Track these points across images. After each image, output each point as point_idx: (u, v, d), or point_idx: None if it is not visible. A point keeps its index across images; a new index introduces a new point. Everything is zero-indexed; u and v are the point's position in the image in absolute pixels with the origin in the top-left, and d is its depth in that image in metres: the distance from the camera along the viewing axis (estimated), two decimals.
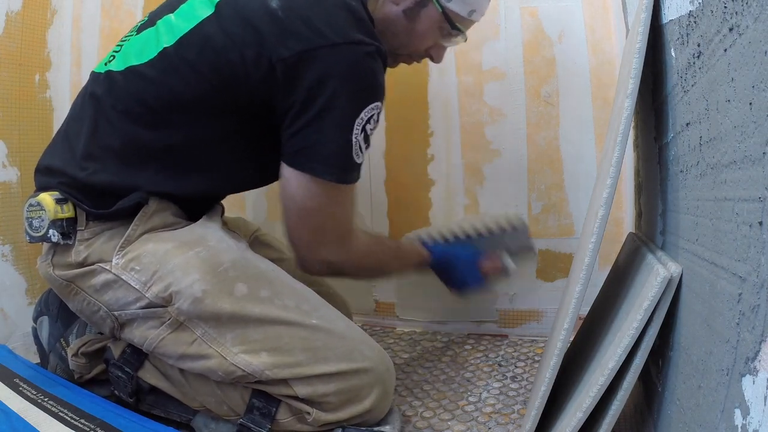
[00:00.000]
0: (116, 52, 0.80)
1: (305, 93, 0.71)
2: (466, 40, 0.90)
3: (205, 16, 0.74)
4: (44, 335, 0.89)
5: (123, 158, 0.75)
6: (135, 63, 0.76)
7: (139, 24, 0.83)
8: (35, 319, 0.91)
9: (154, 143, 0.75)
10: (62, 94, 1.12)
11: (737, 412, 0.35)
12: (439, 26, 0.85)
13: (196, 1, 0.77)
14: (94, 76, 0.81)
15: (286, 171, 0.76)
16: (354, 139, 0.73)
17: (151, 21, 0.80)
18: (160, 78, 0.74)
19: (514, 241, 1.04)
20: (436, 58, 0.92)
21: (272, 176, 0.90)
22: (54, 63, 1.10)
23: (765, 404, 0.31)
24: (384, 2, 0.84)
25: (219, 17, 0.74)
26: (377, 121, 0.76)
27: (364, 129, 0.74)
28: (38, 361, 0.93)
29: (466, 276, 1.00)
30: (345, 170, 0.75)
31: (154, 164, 0.76)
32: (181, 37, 0.74)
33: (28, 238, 0.77)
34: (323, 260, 0.81)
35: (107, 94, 0.77)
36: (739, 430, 0.34)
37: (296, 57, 0.70)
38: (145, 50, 0.76)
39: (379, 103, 0.75)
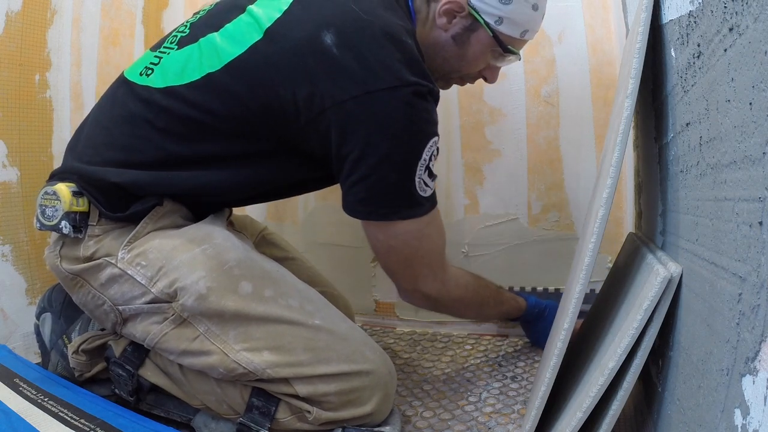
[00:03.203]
0: (154, 64, 0.79)
1: (363, 140, 0.70)
2: (520, 59, 0.89)
3: (253, 42, 0.72)
4: (46, 332, 0.90)
5: (153, 167, 0.76)
6: (176, 83, 0.75)
7: (178, 35, 0.80)
8: (38, 316, 0.91)
9: (187, 156, 0.76)
10: (62, 94, 1.12)
11: (737, 412, 0.35)
12: (491, 49, 0.84)
13: (243, 23, 0.75)
14: (129, 85, 0.80)
15: (360, 221, 0.77)
16: (418, 179, 0.74)
17: (192, 36, 0.78)
18: (203, 103, 0.74)
19: None
20: (490, 79, 0.91)
21: (295, 192, 0.92)
22: (54, 63, 1.10)
23: (765, 404, 0.31)
24: (432, 28, 0.83)
25: (269, 47, 0.72)
26: (437, 154, 0.76)
27: (427, 167, 0.74)
28: (38, 361, 0.93)
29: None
30: (412, 207, 0.75)
31: (183, 172, 0.76)
32: (228, 64, 0.73)
33: (38, 225, 0.77)
34: (420, 292, 0.83)
35: (144, 110, 0.76)
36: (739, 430, 0.34)
37: (352, 101, 0.69)
38: (186, 70, 0.75)
39: (437, 138, 0.75)
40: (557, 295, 1.15)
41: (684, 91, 0.53)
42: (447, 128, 1.20)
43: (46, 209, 0.75)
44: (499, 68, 0.90)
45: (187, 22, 0.83)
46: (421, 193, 0.75)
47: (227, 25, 0.76)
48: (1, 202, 1.01)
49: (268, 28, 0.73)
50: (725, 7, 0.38)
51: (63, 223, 0.74)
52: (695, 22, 0.47)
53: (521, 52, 0.87)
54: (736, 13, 0.36)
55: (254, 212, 1.35)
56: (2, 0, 0.99)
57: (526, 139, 1.15)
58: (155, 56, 0.80)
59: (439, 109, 1.19)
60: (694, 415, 0.44)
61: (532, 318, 1.02)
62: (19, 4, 1.02)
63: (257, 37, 0.73)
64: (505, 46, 0.83)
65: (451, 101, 1.19)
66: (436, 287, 0.83)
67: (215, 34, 0.76)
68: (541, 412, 0.64)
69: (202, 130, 0.75)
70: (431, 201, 0.77)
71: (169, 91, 0.75)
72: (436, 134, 0.75)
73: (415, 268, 0.81)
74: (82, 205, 0.75)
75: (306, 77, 0.70)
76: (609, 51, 1.10)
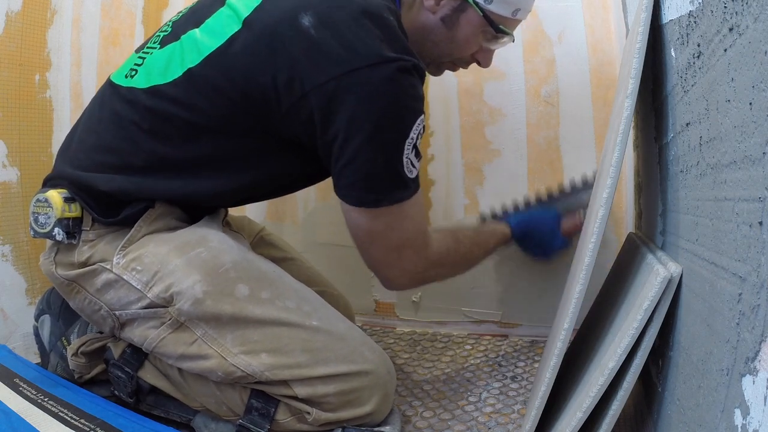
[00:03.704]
0: (138, 65, 0.78)
1: (348, 121, 0.68)
2: (514, 41, 0.86)
3: (232, 34, 0.71)
4: (45, 334, 0.90)
5: (143, 172, 0.75)
6: (159, 82, 0.74)
7: (161, 35, 0.80)
8: (37, 318, 0.91)
9: (176, 158, 0.75)
10: (62, 94, 1.12)
11: (737, 412, 0.35)
12: (482, 30, 0.82)
13: (223, 16, 0.74)
14: (114, 88, 0.79)
15: (344, 204, 0.75)
16: (405, 159, 0.72)
17: (174, 34, 0.78)
18: (186, 100, 0.73)
19: (587, 195, 1.02)
20: (484, 63, 0.88)
21: (289, 190, 0.91)
22: (54, 63, 1.10)
23: (765, 404, 0.31)
24: (420, 11, 0.82)
25: (247, 36, 0.71)
26: (423, 132, 0.74)
27: (414, 146, 0.73)
28: (38, 361, 0.93)
29: (550, 240, 0.98)
30: (400, 189, 0.73)
31: (173, 175, 0.76)
32: (207, 57, 0.72)
33: (32, 233, 0.77)
34: (406, 274, 0.80)
35: (130, 111, 0.75)
36: (739, 430, 0.34)
37: (334, 82, 0.67)
38: (169, 68, 0.74)
39: (422, 116, 0.73)
40: None
41: (684, 91, 0.53)
42: (447, 128, 1.20)
43: (39, 216, 0.75)
44: (492, 51, 0.88)
45: (170, 21, 0.82)
46: (408, 175, 0.73)
47: (207, 20, 0.75)
48: (1, 202, 1.01)
49: (247, 17, 0.72)
50: (725, 7, 0.38)
51: (56, 229, 0.74)
52: (695, 22, 0.47)
53: (515, 33, 0.85)
54: (736, 13, 0.36)
55: (253, 212, 1.35)
56: (2, 0, 0.99)
57: (526, 139, 1.15)
58: (139, 57, 0.80)
59: (440, 109, 1.21)
60: (694, 415, 0.44)
61: (522, 236, 0.99)
62: (19, 4, 1.02)
63: (236, 28, 0.72)
64: (496, 26, 0.81)
65: (451, 101, 1.19)
66: (422, 264, 0.81)
67: (196, 30, 0.75)
68: (541, 412, 0.64)
69: (187, 129, 0.74)
70: (416, 183, 0.76)
71: (152, 91, 0.75)
72: (422, 111, 0.73)
73: (399, 252, 0.78)
74: (74, 210, 0.75)
75: (285, 61, 0.69)
76: (609, 51, 1.10)
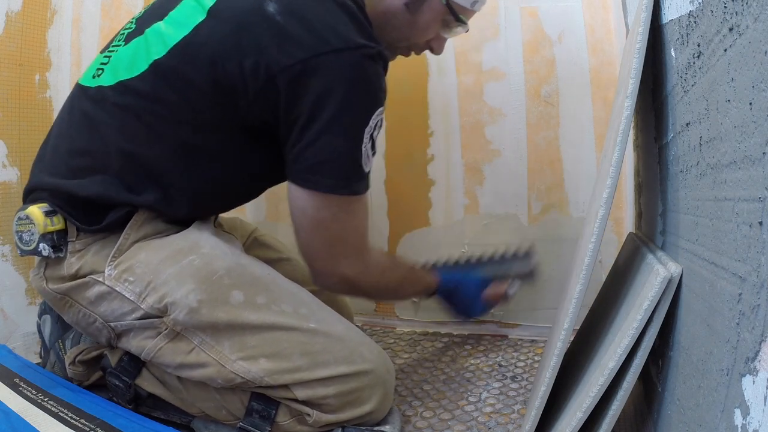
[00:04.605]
0: (104, 64, 0.77)
1: (312, 104, 0.69)
2: (467, 31, 0.88)
3: (197, 23, 0.71)
4: (46, 332, 0.90)
5: (117, 173, 0.73)
6: (125, 77, 0.73)
7: (126, 32, 0.79)
8: (39, 316, 0.92)
9: (147, 157, 0.73)
10: (62, 94, 1.12)
11: (737, 412, 0.35)
12: (442, 18, 0.83)
13: (187, 7, 0.73)
14: (82, 90, 0.78)
15: (295, 189, 0.74)
16: (363, 149, 0.72)
17: (138, 29, 0.77)
18: (153, 93, 0.72)
19: (519, 266, 1.06)
20: (437, 50, 0.90)
21: (261, 190, 0.89)
22: (54, 63, 1.10)
23: (765, 404, 0.31)
24: None
25: (212, 24, 0.71)
26: (381, 126, 0.75)
27: (372, 137, 0.73)
28: (38, 361, 0.93)
29: (470, 305, 1.00)
30: (356, 181, 0.73)
31: (149, 180, 0.74)
32: (173, 47, 0.71)
33: (19, 252, 0.75)
34: (341, 275, 0.78)
35: (99, 111, 0.74)
36: (739, 430, 0.34)
37: (300, 65, 0.67)
38: (135, 63, 0.73)
39: (382, 108, 0.74)
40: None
41: (684, 91, 0.53)
42: (447, 128, 1.20)
43: (23, 234, 0.74)
44: (445, 39, 0.89)
45: (133, 18, 0.82)
46: (364, 168, 0.73)
47: (171, 12, 0.75)
48: (1, 202, 1.01)
49: (211, 7, 0.72)
50: (725, 7, 0.38)
51: (41, 245, 0.73)
52: (695, 22, 0.47)
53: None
54: (736, 13, 0.36)
55: (253, 212, 1.35)
56: (2, 0, 0.99)
57: (526, 139, 1.15)
58: (105, 57, 0.79)
59: (440, 109, 1.21)
60: (694, 415, 0.44)
61: (445, 294, 1.00)
62: (19, 4, 1.02)
63: (201, 17, 0.71)
64: (456, 15, 0.83)
65: (451, 101, 1.19)
66: (358, 269, 0.79)
67: (160, 22, 0.75)
68: (541, 412, 0.64)
69: (156, 124, 0.72)
70: (367, 181, 0.76)
71: (119, 87, 0.73)
72: (382, 104, 0.73)
73: (339, 247, 0.77)
74: (57, 223, 0.73)
75: (251, 47, 0.69)
76: (609, 51, 1.10)
